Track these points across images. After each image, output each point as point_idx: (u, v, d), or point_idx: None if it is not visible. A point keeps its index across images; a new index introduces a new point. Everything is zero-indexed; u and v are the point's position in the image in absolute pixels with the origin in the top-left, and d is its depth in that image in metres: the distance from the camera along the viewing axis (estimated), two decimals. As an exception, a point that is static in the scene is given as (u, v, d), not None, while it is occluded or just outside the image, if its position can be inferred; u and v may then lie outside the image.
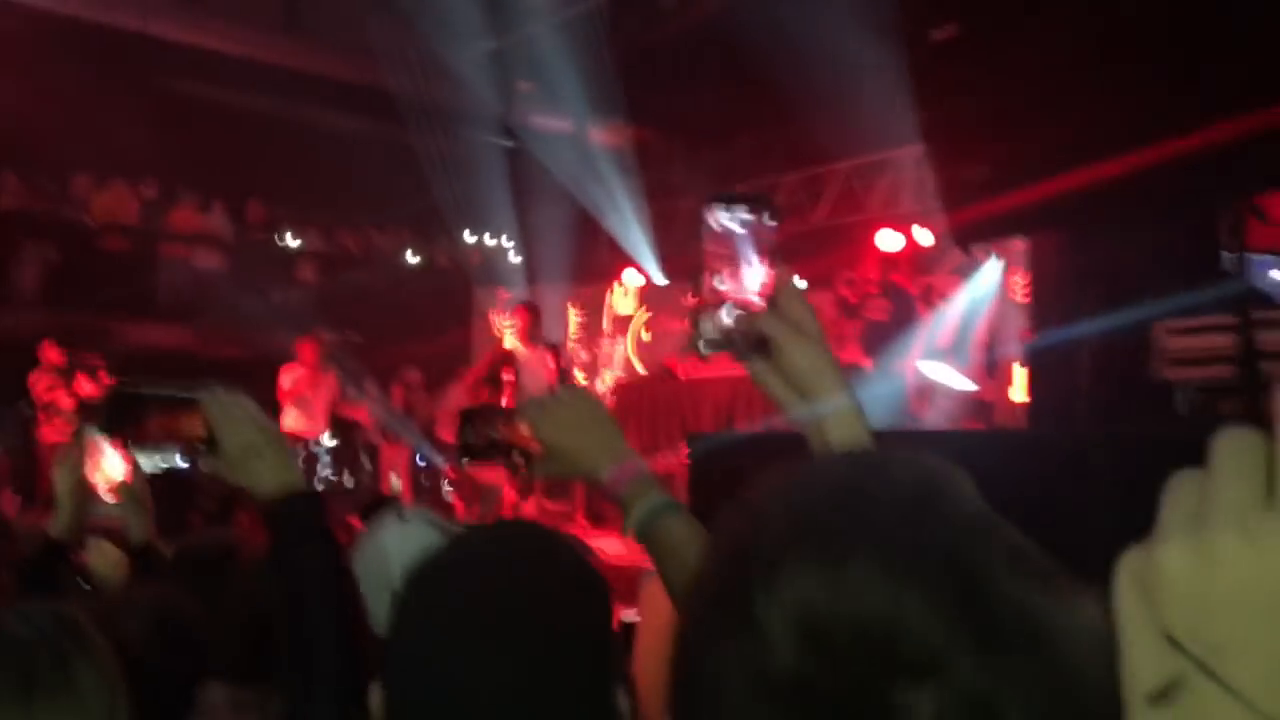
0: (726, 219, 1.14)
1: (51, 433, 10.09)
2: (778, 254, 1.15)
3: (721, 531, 0.79)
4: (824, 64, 10.88)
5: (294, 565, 1.56)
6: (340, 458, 12.33)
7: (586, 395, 1.54)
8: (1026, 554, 0.71)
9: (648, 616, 3.75)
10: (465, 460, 1.63)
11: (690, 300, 8.65)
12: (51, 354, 10.34)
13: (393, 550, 1.95)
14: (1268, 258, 5.01)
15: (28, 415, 10.52)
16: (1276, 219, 3.83)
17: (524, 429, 1.54)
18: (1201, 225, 3.95)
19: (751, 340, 1.14)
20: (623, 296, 13.05)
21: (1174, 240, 4.06)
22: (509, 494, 8.57)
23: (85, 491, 2.56)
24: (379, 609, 1.67)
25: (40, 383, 10.23)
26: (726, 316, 1.14)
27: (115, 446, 2.59)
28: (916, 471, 0.75)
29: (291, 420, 10.35)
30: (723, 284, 1.14)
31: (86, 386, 10.16)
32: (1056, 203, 3.16)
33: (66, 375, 10.29)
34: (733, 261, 1.14)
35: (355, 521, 4.97)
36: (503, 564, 1.21)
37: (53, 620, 1.52)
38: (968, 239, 3.38)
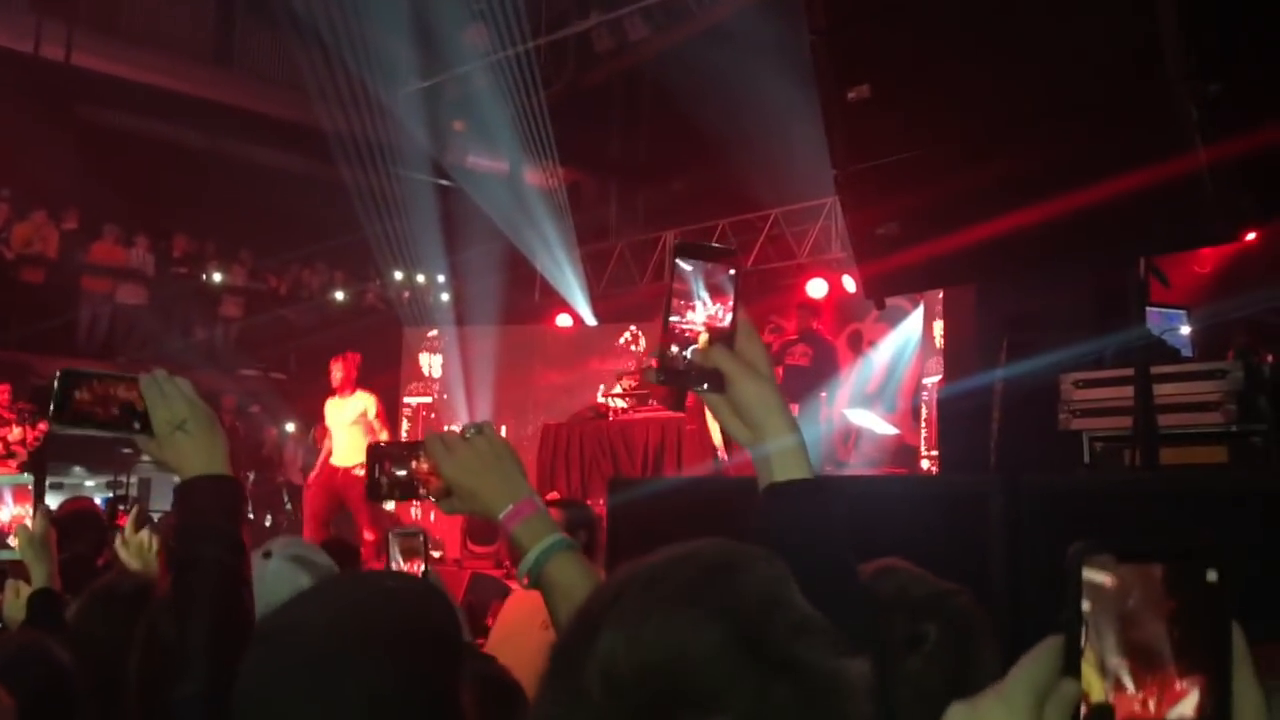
0: (691, 267, 1.23)
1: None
2: (737, 298, 1.24)
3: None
4: (756, 110, 11.05)
5: (188, 550, 1.52)
6: (259, 499, 12.14)
7: (489, 434, 1.55)
8: (810, 620, 0.89)
9: (496, 626, 3.72)
10: (373, 499, 1.64)
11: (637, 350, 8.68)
12: None
13: (259, 588, 1.91)
14: (1175, 312, 5.16)
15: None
16: (1174, 283, 3.96)
17: (428, 466, 1.57)
18: (1112, 278, 4.06)
19: (706, 373, 1.22)
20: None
21: (1084, 292, 4.16)
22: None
23: None
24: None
25: None
26: (687, 351, 1.22)
27: (15, 495, 2.60)
28: (720, 552, 0.93)
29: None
30: (683, 322, 1.23)
31: (21, 431, 9.91)
32: (965, 255, 3.22)
33: (5, 417, 10.02)
34: (694, 303, 1.23)
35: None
36: (337, 625, 1.20)
37: None
38: (880, 291, 3.43)
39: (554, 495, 10.23)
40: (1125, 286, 4.10)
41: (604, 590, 0.93)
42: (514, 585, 4.97)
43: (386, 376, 13.33)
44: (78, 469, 11.84)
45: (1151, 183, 2.87)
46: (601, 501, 8.36)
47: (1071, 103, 3.03)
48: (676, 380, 1.24)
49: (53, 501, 9.81)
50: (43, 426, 9.93)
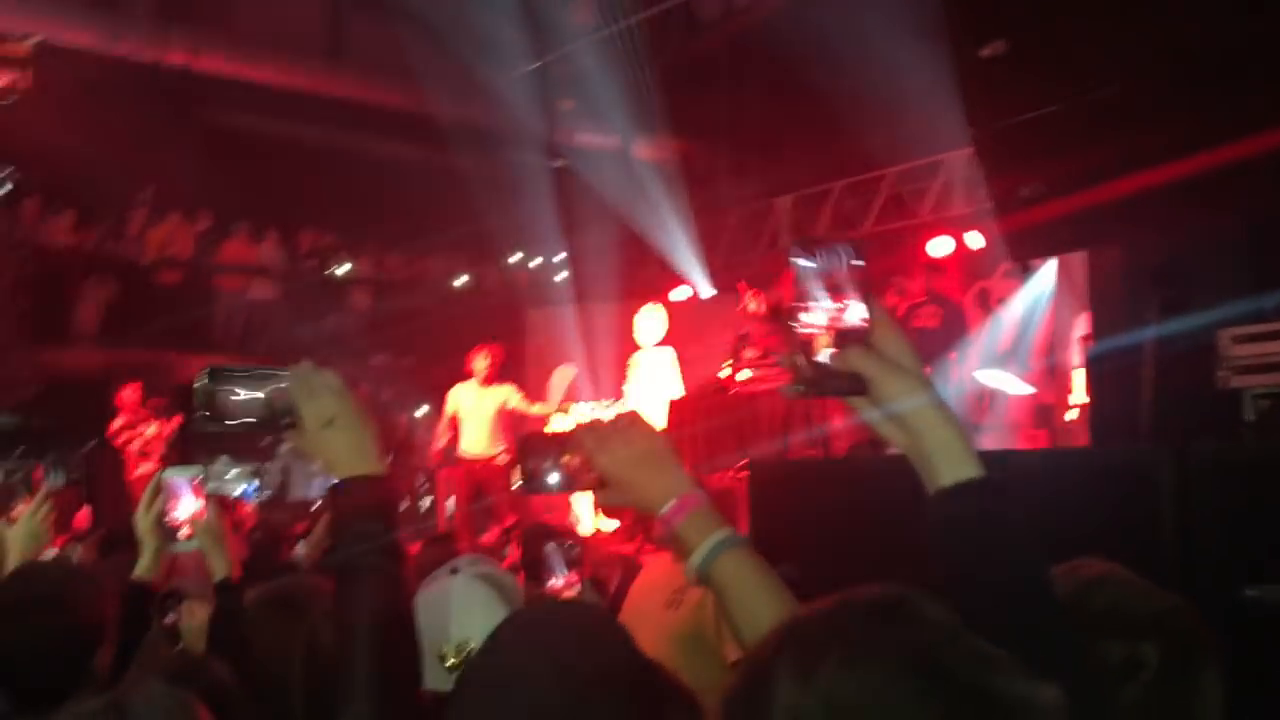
0: (811, 263, 1.16)
1: (136, 469, 10.24)
2: (869, 291, 1.16)
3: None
4: (869, 70, 10.77)
5: (346, 557, 1.49)
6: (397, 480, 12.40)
7: (643, 425, 1.48)
8: (989, 650, 0.88)
9: (635, 593, 3.69)
10: (529, 492, 1.60)
11: (758, 336, 8.56)
12: (127, 395, 10.48)
13: (448, 607, 1.91)
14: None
15: (97, 452, 10.70)
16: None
17: (580, 459, 1.51)
18: (1264, 228, 3.83)
19: (845, 377, 1.15)
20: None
21: (1235, 244, 3.93)
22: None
23: (164, 531, 2.66)
24: (427, 668, 1.63)
25: (117, 424, 10.37)
26: (822, 355, 1.15)
27: (193, 488, 2.67)
28: (887, 594, 0.94)
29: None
30: (810, 323, 1.16)
31: (156, 427, 10.33)
32: (1112, 211, 3.07)
33: (141, 414, 10.44)
34: (820, 300, 1.16)
35: (413, 548, 4.97)
36: (558, 664, 1.18)
37: (174, 709, 1.52)
38: (1026, 253, 3.29)
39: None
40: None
41: (775, 637, 0.93)
42: (644, 559, 4.96)
43: (511, 357, 13.52)
44: (220, 458, 12.27)
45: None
46: (729, 476, 8.35)
47: (1221, 52, 2.85)
48: (814, 390, 1.16)
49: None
50: (177, 421, 10.29)
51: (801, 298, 1.16)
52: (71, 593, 2.29)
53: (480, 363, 9.31)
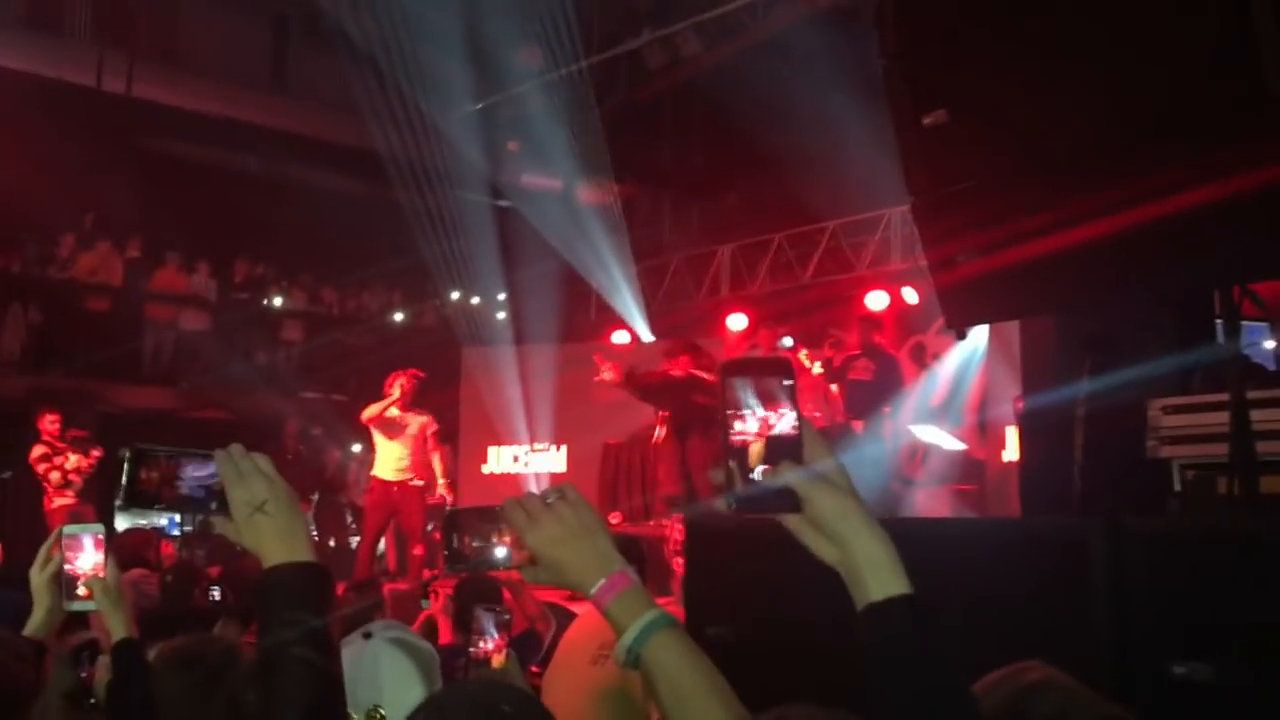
0: (741, 381, 1.20)
1: (54, 501, 9.90)
2: (796, 406, 1.20)
3: None
4: (812, 123, 10.93)
5: (273, 648, 1.42)
6: (322, 520, 12.20)
7: (574, 501, 1.45)
8: None
9: (562, 647, 3.65)
10: (453, 570, 1.56)
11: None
12: (48, 424, 10.14)
13: (359, 671, 1.85)
14: (1258, 325, 4.96)
15: (6, 481, 10.37)
16: (1268, 304, 3.80)
17: (510, 536, 1.49)
18: (1194, 296, 3.91)
19: (778, 494, 1.18)
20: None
21: (1170, 311, 4.01)
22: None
23: (61, 588, 2.53)
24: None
25: (36, 453, 10.03)
26: (756, 473, 1.18)
27: (95, 544, 2.58)
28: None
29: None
30: (738, 435, 1.19)
31: (76, 459, 10.01)
32: (1051, 282, 3.11)
33: (58, 446, 10.12)
34: (744, 413, 1.20)
35: (339, 589, 4.86)
36: None
37: None
38: (962, 321, 3.32)
39: (617, 516, 10.19)
40: (1211, 305, 3.96)
41: None
42: (576, 609, 4.90)
43: (445, 396, 13.38)
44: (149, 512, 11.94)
45: (1246, 201, 2.75)
46: (664, 523, 8.32)
47: (1159, 120, 2.91)
48: (749, 506, 1.19)
49: (122, 524, 9.94)
50: (96, 454, 10.02)
51: (734, 407, 1.19)
52: None
53: (396, 388, 9.19)
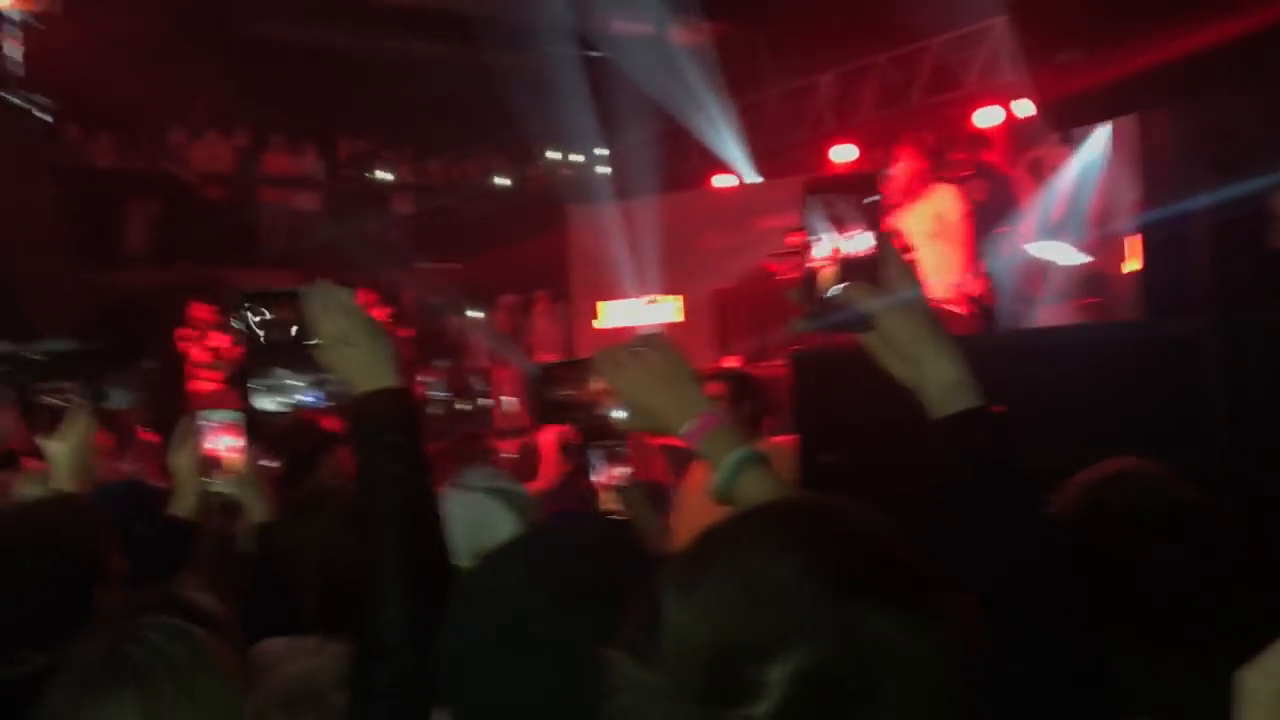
0: (819, 203, 1.20)
1: (200, 386, 10.34)
2: (879, 225, 1.19)
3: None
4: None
5: (370, 470, 1.50)
6: (452, 382, 12.53)
7: (661, 347, 1.50)
8: (905, 559, 0.83)
9: (683, 493, 3.72)
10: (546, 420, 1.63)
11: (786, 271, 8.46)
12: (199, 311, 10.52)
13: (452, 521, 1.91)
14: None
15: (151, 372, 10.84)
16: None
17: (599, 385, 1.57)
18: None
19: (852, 313, 1.20)
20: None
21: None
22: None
23: (204, 470, 2.69)
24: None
25: (188, 339, 10.42)
26: (830, 291, 1.20)
27: (232, 429, 2.70)
28: (806, 499, 1.00)
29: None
30: (817, 256, 1.20)
31: (224, 341, 10.39)
32: (1160, 74, 2.92)
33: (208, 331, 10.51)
34: (820, 237, 1.21)
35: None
36: (571, 574, 1.16)
37: (176, 638, 1.53)
38: (1064, 122, 3.16)
39: (735, 359, 10.20)
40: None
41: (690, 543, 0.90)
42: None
43: (553, 255, 13.45)
44: (275, 371, 12.38)
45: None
46: (781, 363, 8.29)
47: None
48: (822, 327, 1.22)
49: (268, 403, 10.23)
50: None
51: (810, 231, 1.20)
52: (56, 530, 2.22)
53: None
